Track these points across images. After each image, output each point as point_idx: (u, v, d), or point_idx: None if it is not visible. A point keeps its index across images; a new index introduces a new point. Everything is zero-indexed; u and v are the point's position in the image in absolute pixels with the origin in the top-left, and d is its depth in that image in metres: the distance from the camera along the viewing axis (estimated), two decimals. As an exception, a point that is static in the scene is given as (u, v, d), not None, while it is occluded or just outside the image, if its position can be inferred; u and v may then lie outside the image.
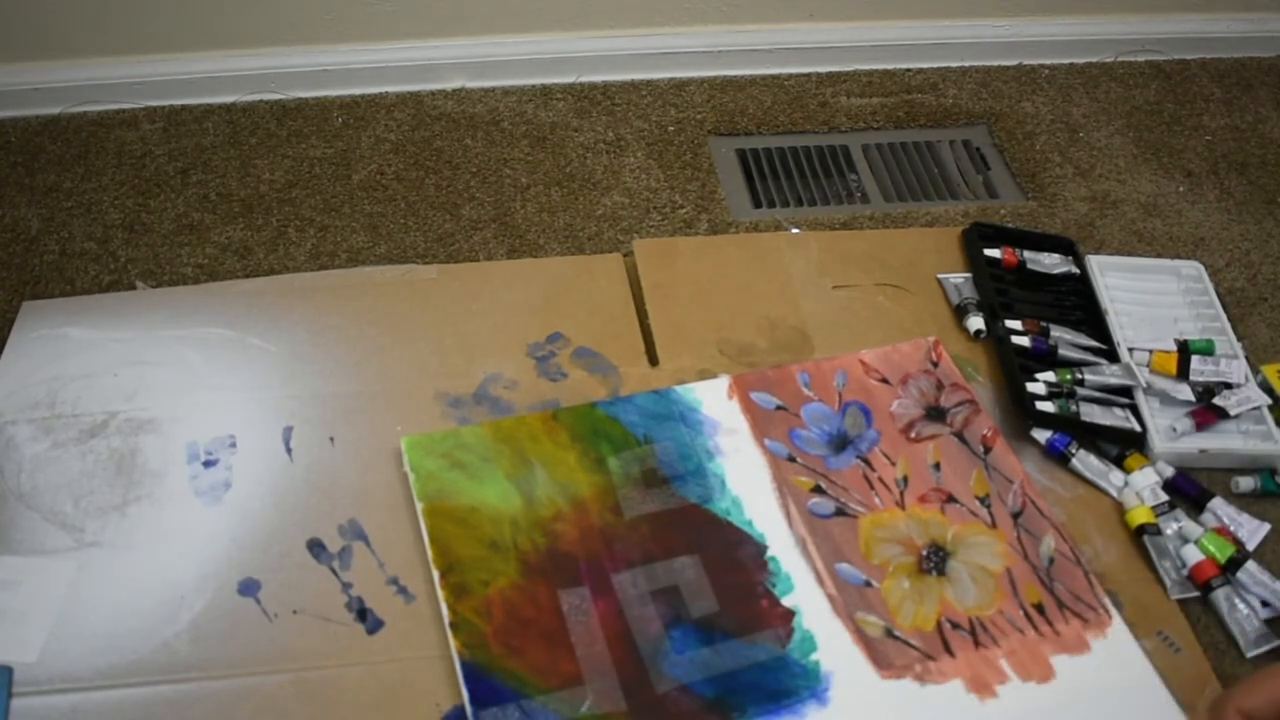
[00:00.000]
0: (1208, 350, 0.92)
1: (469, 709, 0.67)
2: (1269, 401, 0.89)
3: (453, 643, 0.70)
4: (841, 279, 0.98)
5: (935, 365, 0.90)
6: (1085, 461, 0.85)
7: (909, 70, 1.27)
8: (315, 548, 0.76)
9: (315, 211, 1.06)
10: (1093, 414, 0.87)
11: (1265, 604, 0.78)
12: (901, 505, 0.80)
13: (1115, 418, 0.88)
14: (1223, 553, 0.79)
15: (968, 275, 0.99)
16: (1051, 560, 0.78)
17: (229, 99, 1.18)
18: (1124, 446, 0.87)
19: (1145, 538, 0.81)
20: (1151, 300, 0.98)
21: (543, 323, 0.92)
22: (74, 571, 0.75)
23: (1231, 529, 0.82)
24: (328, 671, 0.70)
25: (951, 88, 1.26)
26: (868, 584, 0.76)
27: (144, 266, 0.99)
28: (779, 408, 0.85)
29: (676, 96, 1.22)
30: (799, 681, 0.70)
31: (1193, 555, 0.79)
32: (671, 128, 1.18)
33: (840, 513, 0.79)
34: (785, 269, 0.98)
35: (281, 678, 0.70)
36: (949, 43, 1.28)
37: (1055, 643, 0.74)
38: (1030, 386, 0.88)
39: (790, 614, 0.73)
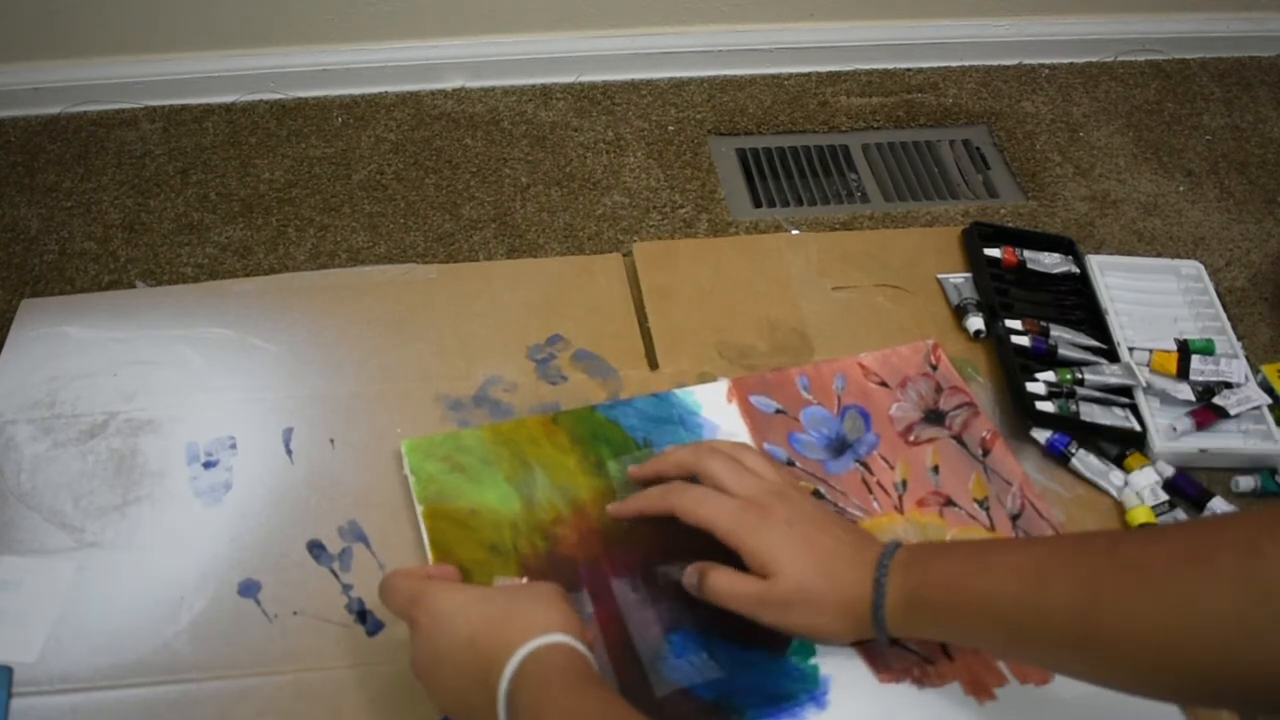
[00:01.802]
0: (1208, 350, 0.92)
1: (469, 711, 0.67)
2: (1269, 401, 0.89)
3: (452, 644, 0.70)
4: (841, 280, 0.98)
5: (934, 368, 0.90)
6: (1085, 461, 0.85)
7: (909, 70, 1.27)
8: (315, 549, 0.77)
9: (315, 211, 1.06)
10: (1093, 414, 0.87)
11: (1264, 605, 0.78)
12: (900, 509, 0.80)
13: (1115, 417, 0.88)
14: (1222, 554, 0.79)
15: (968, 275, 0.99)
16: (1051, 562, 0.78)
17: (229, 99, 1.18)
18: (1124, 446, 0.87)
19: (1144, 539, 0.81)
20: (1151, 300, 0.98)
21: (543, 324, 0.92)
22: (74, 571, 0.75)
23: (1231, 530, 0.82)
24: (328, 672, 0.70)
25: (951, 87, 1.26)
26: (867, 585, 0.75)
27: (144, 266, 1.00)
28: (778, 411, 0.85)
29: (676, 96, 1.22)
30: (798, 685, 0.70)
31: (1192, 556, 0.79)
32: (671, 127, 1.18)
33: (840, 514, 0.79)
34: (785, 270, 0.98)
35: (282, 678, 0.70)
36: (949, 42, 1.28)
37: (1054, 644, 0.74)
38: (1030, 386, 0.88)
39: (789, 616, 0.73)
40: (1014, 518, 0.81)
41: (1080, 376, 0.89)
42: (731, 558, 0.69)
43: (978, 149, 1.19)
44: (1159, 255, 1.06)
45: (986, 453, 0.84)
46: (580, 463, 0.80)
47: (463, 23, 1.19)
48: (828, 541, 0.67)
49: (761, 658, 0.71)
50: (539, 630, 0.60)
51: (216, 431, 0.83)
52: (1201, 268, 1.00)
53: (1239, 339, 0.95)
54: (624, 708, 0.58)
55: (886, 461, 0.83)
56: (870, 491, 0.81)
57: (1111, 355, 0.92)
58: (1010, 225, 1.06)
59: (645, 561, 0.75)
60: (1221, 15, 1.32)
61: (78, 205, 1.06)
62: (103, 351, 0.88)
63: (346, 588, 0.74)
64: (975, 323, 0.94)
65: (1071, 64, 1.30)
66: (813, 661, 0.71)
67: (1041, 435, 0.86)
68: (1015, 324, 0.93)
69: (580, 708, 0.57)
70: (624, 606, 0.72)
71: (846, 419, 0.86)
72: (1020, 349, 0.91)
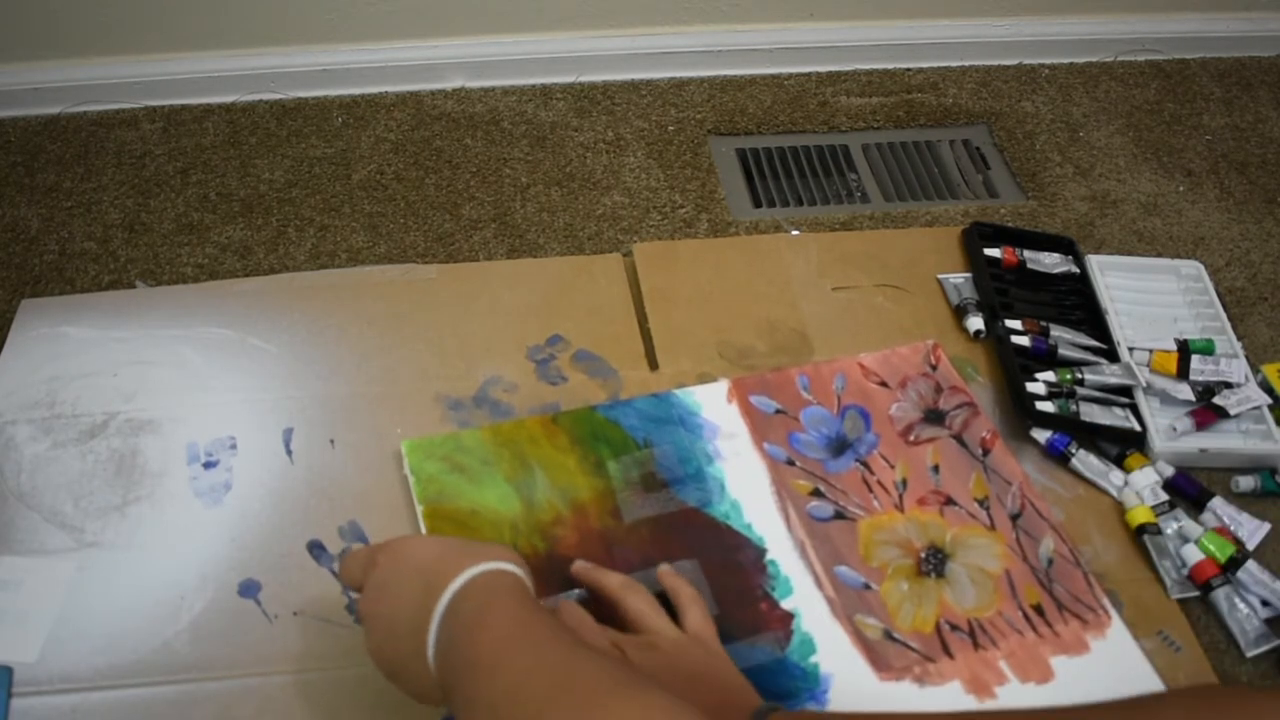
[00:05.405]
0: (1208, 350, 0.92)
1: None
2: (1269, 401, 0.89)
3: (452, 644, 0.70)
4: (841, 280, 0.98)
5: (934, 368, 0.90)
6: (1085, 461, 0.85)
7: (909, 70, 1.27)
8: (315, 549, 0.77)
9: (315, 211, 1.05)
10: (1093, 414, 0.87)
11: (1265, 603, 0.78)
12: (900, 508, 0.80)
13: (1115, 417, 0.88)
14: (1223, 552, 0.79)
15: (968, 275, 0.99)
16: (1050, 561, 0.78)
17: (229, 99, 1.18)
18: (1124, 446, 0.87)
19: (1145, 537, 0.81)
20: (1151, 300, 0.98)
21: (542, 324, 0.92)
22: (74, 571, 0.75)
23: (1231, 528, 0.82)
24: (328, 673, 0.70)
25: (951, 87, 1.26)
26: (867, 586, 0.76)
27: (144, 266, 0.99)
28: (778, 411, 0.85)
29: (676, 96, 1.22)
30: (798, 684, 0.70)
31: (1193, 555, 0.79)
32: (671, 127, 1.18)
33: (839, 516, 0.79)
34: (785, 271, 0.98)
35: (281, 679, 0.70)
36: (949, 42, 1.28)
37: (1054, 644, 0.74)
38: (1030, 386, 0.88)
39: (789, 617, 0.73)
40: (1014, 517, 0.81)
41: (1080, 376, 0.89)
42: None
43: (978, 149, 1.19)
44: (1159, 255, 1.06)
45: (986, 452, 0.84)
46: (580, 463, 0.80)
47: (463, 23, 1.19)
48: None
49: (762, 656, 0.71)
50: (492, 558, 0.59)
51: (216, 432, 0.83)
52: (1201, 268, 1.00)
53: (1239, 339, 0.95)
54: (566, 630, 0.57)
55: (887, 461, 0.83)
56: (870, 490, 0.81)
57: (1111, 355, 0.92)
58: (1010, 225, 1.06)
59: (645, 561, 0.75)
60: (1221, 15, 1.31)
61: (78, 205, 1.05)
62: (103, 351, 0.88)
63: (346, 588, 0.74)
64: (975, 323, 0.94)
65: (1071, 64, 1.30)
66: (813, 660, 0.71)
67: (1041, 435, 0.86)
68: (1015, 324, 0.93)
69: (530, 617, 0.56)
70: (624, 606, 0.72)
71: (846, 419, 0.86)
72: (1020, 349, 0.91)
